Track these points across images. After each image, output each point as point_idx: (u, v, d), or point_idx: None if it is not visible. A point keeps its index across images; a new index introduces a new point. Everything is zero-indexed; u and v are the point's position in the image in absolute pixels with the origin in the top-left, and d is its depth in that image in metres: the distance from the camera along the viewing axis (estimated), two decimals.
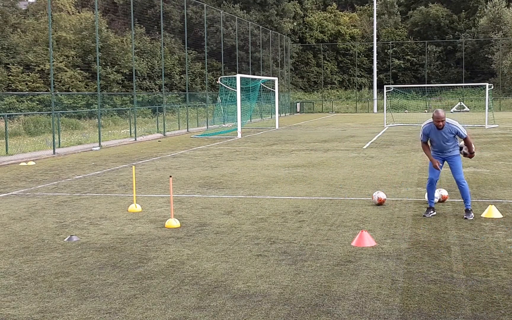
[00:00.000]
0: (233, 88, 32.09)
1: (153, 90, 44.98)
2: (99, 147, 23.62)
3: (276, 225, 8.81)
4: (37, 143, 24.61)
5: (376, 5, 64.80)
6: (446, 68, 70.19)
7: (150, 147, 23.49)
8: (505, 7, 65.35)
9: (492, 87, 41.18)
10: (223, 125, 37.03)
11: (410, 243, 7.63)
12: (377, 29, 65.55)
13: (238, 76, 30.27)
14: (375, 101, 60.69)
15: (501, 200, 10.48)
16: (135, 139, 27.76)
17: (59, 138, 24.05)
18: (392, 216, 9.32)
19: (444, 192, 10.34)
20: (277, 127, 36.03)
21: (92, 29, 40.00)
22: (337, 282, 6.09)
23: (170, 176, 9.37)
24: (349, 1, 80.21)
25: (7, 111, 31.69)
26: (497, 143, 22.38)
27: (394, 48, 70.57)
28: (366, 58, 71.20)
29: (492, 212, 9.11)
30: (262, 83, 40.88)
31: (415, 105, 61.12)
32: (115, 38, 44.06)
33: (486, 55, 64.67)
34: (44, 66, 38.45)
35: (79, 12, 46.21)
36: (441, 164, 9.21)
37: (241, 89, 31.12)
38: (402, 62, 70.35)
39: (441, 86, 56.28)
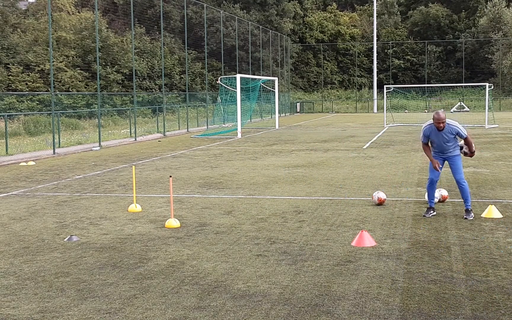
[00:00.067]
0: (233, 88, 32.10)
1: (153, 90, 44.99)
2: (99, 147, 23.62)
3: (276, 225, 8.81)
4: (37, 143, 24.61)
5: (376, 5, 64.81)
6: (446, 68, 70.19)
7: (150, 147, 23.49)
8: (505, 7, 65.35)
9: (492, 87, 41.18)
10: (223, 125, 37.03)
11: (410, 243, 7.63)
12: (377, 29, 65.55)
13: (238, 76, 30.27)
14: (375, 101, 60.69)
15: (501, 200, 10.48)
16: (135, 139, 27.76)
17: (59, 138, 24.05)
18: (392, 216, 9.32)
19: (444, 192, 10.34)
20: (277, 127, 36.03)
21: (92, 29, 40.00)
22: (337, 282, 6.09)
23: (170, 176, 9.37)
24: (349, 1, 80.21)
25: (7, 111, 31.69)
26: (497, 143, 22.38)
27: (394, 48, 70.57)
28: (366, 58, 71.21)
29: (492, 212, 9.11)
30: (262, 83, 40.88)
31: (415, 105, 61.12)
32: (115, 38, 44.07)
33: (486, 55, 64.67)
34: (44, 66, 38.45)
35: (79, 12, 46.21)
36: (441, 166, 9.21)
37: (241, 89, 31.12)
38: (402, 62, 70.35)
39: (441, 86, 56.29)
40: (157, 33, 47.92)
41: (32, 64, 39.11)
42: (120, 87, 42.86)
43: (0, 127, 26.76)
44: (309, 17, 72.46)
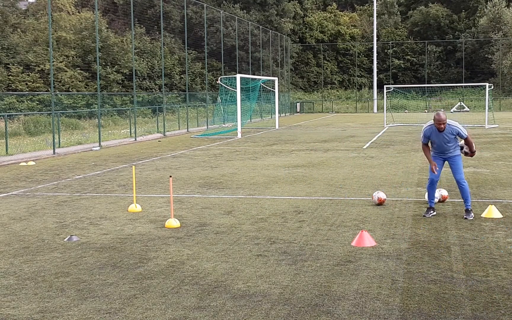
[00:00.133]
0: (233, 88, 32.10)
1: (153, 90, 44.99)
2: (99, 147, 23.62)
3: (276, 225, 8.81)
4: (37, 143, 24.61)
5: (376, 5, 64.81)
6: (446, 68, 70.20)
7: (150, 147, 23.49)
8: (505, 7, 65.35)
9: (492, 87, 41.18)
10: (223, 125, 37.03)
11: (410, 243, 7.63)
12: (377, 29, 65.55)
13: (238, 76, 30.27)
14: (375, 101, 60.69)
15: (501, 200, 10.48)
16: (135, 139, 27.76)
17: (59, 138, 24.05)
18: (392, 216, 9.33)
19: (444, 192, 10.34)
20: (277, 127, 36.03)
21: (92, 29, 40.00)
22: (337, 282, 6.09)
23: (170, 176, 9.37)
24: (349, 1, 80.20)
25: (7, 111, 31.69)
26: (497, 143, 22.38)
27: (394, 48, 70.58)
28: (366, 58, 71.21)
29: (492, 212, 9.11)
30: (262, 83, 40.88)
31: (415, 105, 61.12)
32: (115, 38, 44.07)
33: (486, 55, 64.67)
34: (44, 66, 38.45)
35: (79, 12, 46.21)
36: (438, 168, 9.20)
37: (241, 89, 31.12)
38: (402, 62, 70.36)
39: (441, 86, 56.29)
40: (157, 33, 47.92)
41: (32, 64, 39.11)
42: (120, 87, 42.87)
43: (0, 127, 26.76)
44: (309, 17, 72.45)
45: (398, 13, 75.10)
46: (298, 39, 70.56)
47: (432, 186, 9.28)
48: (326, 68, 71.21)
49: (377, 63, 62.83)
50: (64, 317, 5.31)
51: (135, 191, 10.88)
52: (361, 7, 78.38)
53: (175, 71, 48.79)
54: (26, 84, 38.34)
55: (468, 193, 9.14)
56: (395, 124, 35.89)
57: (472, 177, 13.15)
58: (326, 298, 5.65)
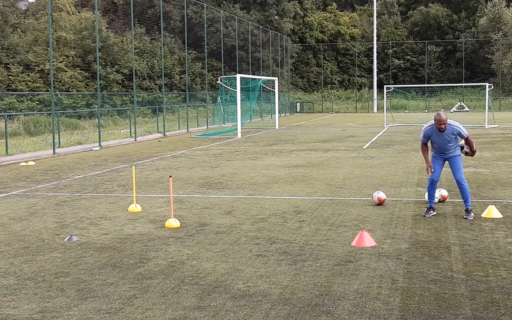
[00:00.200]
0: (233, 88, 32.10)
1: (153, 90, 44.99)
2: (99, 147, 23.62)
3: (276, 225, 8.81)
4: (37, 143, 24.61)
5: (376, 5, 64.81)
6: (446, 68, 70.20)
7: (150, 147, 23.49)
8: (505, 7, 65.35)
9: (492, 87, 41.18)
10: (223, 125, 37.03)
11: (410, 243, 7.63)
12: (377, 29, 65.55)
13: (238, 76, 30.27)
14: (375, 101, 60.70)
15: (501, 200, 10.48)
16: (135, 139, 27.76)
17: (59, 138, 24.05)
18: (392, 216, 9.33)
19: (444, 192, 10.34)
20: (277, 127, 36.03)
21: (92, 29, 40.00)
22: (337, 282, 6.09)
23: (170, 176, 9.37)
24: (349, 1, 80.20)
25: (7, 111, 31.69)
26: (497, 143, 22.38)
27: (394, 48, 70.58)
28: (366, 58, 71.21)
29: (492, 212, 9.11)
30: (262, 83, 40.88)
31: (415, 105, 61.13)
32: (115, 38, 44.07)
33: (486, 55, 64.68)
34: (44, 66, 38.46)
35: (79, 12, 46.22)
36: (438, 168, 9.21)
37: (241, 89, 31.12)
38: (402, 62, 70.36)
39: (441, 86, 56.29)
40: (157, 33, 47.93)
41: (32, 64, 39.11)
42: (120, 87, 42.87)
43: (0, 127, 26.76)
44: (309, 17, 72.46)
45: (398, 13, 75.10)
46: (298, 39, 70.56)
47: (432, 186, 9.28)
48: (326, 68, 71.22)
49: (377, 63, 62.83)
50: (64, 317, 5.31)
51: (135, 191, 10.88)
52: (361, 7, 78.38)
53: (175, 71, 48.79)
54: (26, 84, 38.34)
55: (468, 193, 9.14)
56: (395, 124, 35.89)
57: (472, 177, 13.15)
58: (326, 298, 5.65)
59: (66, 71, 39.66)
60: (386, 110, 38.11)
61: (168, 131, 32.27)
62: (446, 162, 9.33)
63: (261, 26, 54.80)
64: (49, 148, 22.66)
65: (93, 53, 39.18)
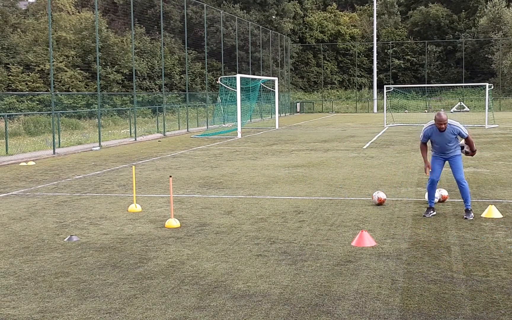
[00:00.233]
0: (233, 88, 32.10)
1: (153, 90, 44.99)
2: (99, 147, 23.62)
3: (276, 225, 8.81)
4: (37, 143, 24.61)
5: (376, 5, 64.81)
6: (446, 68, 70.21)
7: (150, 147, 23.49)
8: (505, 7, 65.35)
9: (492, 87, 41.18)
10: (223, 125, 37.03)
11: (410, 243, 7.63)
12: (377, 29, 65.55)
13: (238, 76, 30.27)
14: (375, 101, 60.70)
15: (501, 200, 10.48)
16: (135, 139, 27.76)
17: (59, 138, 24.05)
18: (392, 216, 9.33)
19: (444, 192, 10.34)
20: (277, 127, 36.03)
21: (92, 29, 40.01)
22: (337, 282, 6.09)
23: (170, 176, 9.36)
24: (349, 1, 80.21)
25: (7, 111, 31.69)
26: (497, 143, 22.38)
27: (394, 48, 70.58)
28: (366, 58, 71.22)
29: (492, 212, 9.11)
30: (262, 83, 40.88)
31: (415, 105, 61.14)
32: (115, 38, 44.07)
33: (486, 55, 64.69)
34: (44, 66, 38.45)
35: (79, 12, 46.22)
36: (439, 168, 9.21)
37: (241, 89, 31.12)
38: (402, 62, 70.37)
39: (441, 86, 56.29)
40: (157, 33, 47.93)
41: (32, 64, 39.11)
42: (120, 87, 42.87)
43: (0, 127, 26.76)
44: (309, 17, 72.46)
45: (398, 13, 75.11)
46: (298, 39, 70.57)
47: (432, 186, 9.28)
48: (326, 68, 71.22)
49: (377, 63, 62.83)
50: (64, 317, 5.31)
51: (135, 191, 10.88)
52: (361, 7, 78.39)
53: (175, 71, 48.80)
54: (26, 84, 38.34)
55: (468, 193, 9.15)
56: (395, 124, 35.89)
57: (472, 177, 13.15)
58: (326, 298, 5.65)
59: (66, 71, 39.67)
60: (386, 110, 38.11)
61: (168, 131, 32.27)
62: (447, 162, 9.34)
63: (261, 26, 54.80)
64: (49, 148, 22.66)
65: (93, 53, 39.18)
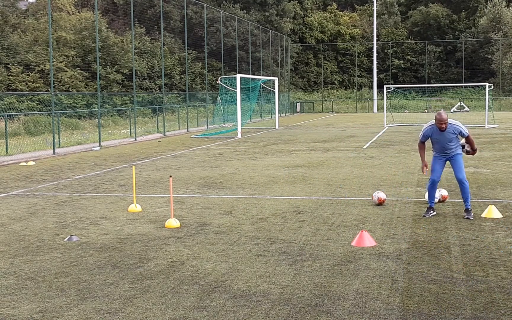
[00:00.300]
0: (233, 88, 32.10)
1: (153, 90, 44.99)
2: (99, 147, 23.62)
3: (276, 225, 8.81)
4: (37, 143, 24.61)
5: (376, 5, 64.81)
6: (446, 68, 70.21)
7: (150, 147, 23.49)
8: (505, 7, 65.36)
9: (492, 87, 41.18)
10: (223, 125, 37.03)
11: (410, 243, 7.63)
12: (377, 29, 65.55)
13: (238, 76, 30.27)
14: (375, 101, 60.70)
15: (501, 200, 10.48)
16: (135, 139, 27.76)
17: (59, 138, 24.05)
18: (392, 216, 9.33)
19: (444, 192, 10.34)
20: (277, 127, 36.04)
21: (92, 29, 40.01)
22: (337, 282, 6.09)
23: (170, 176, 9.36)
24: (349, 1, 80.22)
25: (7, 111, 31.70)
26: (497, 143, 22.38)
27: (394, 48, 70.58)
28: (366, 58, 71.22)
29: (492, 212, 9.11)
30: (262, 83, 40.88)
31: (415, 105, 61.14)
32: (115, 38, 44.07)
33: (486, 55, 64.69)
34: (44, 66, 38.45)
35: (79, 12, 46.22)
36: (440, 168, 9.21)
37: (241, 89, 31.12)
38: (402, 62, 70.37)
39: (441, 86, 56.29)
40: (157, 33, 47.93)
41: (32, 64, 39.11)
42: (120, 87, 42.87)
43: (0, 127, 26.76)
44: (309, 17, 72.47)
45: (398, 13, 75.11)
46: (298, 39, 70.57)
47: (433, 186, 9.28)
48: (326, 68, 71.22)
49: (377, 63, 62.83)
50: (64, 317, 5.31)
51: (135, 191, 10.88)
52: (361, 7, 78.40)
53: (175, 71, 48.80)
54: (26, 84, 38.34)
55: (469, 193, 9.15)
56: (395, 124, 35.89)
57: (472, 177, 13.14)
58: (326, 298, 5.65)
59: (66, 71, 39.66)
60: (386, 110, 38.10)
61: (168, 131, 32.27)
62: (448, 163, 9.34)
63: (261, 26, 54.80)
64: (49, 148, 22.66)
65: (93, 53, 39.18)
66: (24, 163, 18.26)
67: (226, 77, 35.46)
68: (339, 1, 78.82)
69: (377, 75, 63.26)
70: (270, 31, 55.64)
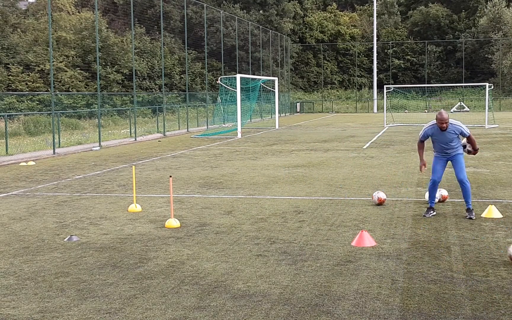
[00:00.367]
0: (233, 88, 32.10)
1: (153, 90, 44.99)
2: (99, 147, 23.62)
3: (276, 225, 8.81)
4: (37, 143, 24.61)
5: (376, 5, 64.81)
6: (446, 68, 70.21)
7: (150, 147, 23.49)
8: (505, 7, 65.36)
9: (492, 87, 41.18)
10: (223, 125, 37.03)
11: (410, 243, 7.63)
12: (377, 29, 65.55)
13: (238, 76, 30.27)
14: (375, 101, 60.70)
15: (501, 200, 10.48)
16: (135, 139, 27.76)
17: (59, 138, 24.05)
18: (392, 216, 9.32)
19: (444, 192, 10.34)
20: (277, 127, 36.03)
21: (92, 29, 40.01)
22: (337, 282, 6.09)
23: (170, 176, 9.36)
24: (349, 1, 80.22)
25: (7, 111, 31.69)
26: (497, 143, 22.39)
27: (394, 48, 70.59)
28: (366, 58, 71.22)
29: (492, 212, 9.11)
30: (262, 83, 40.88)
31: (415, 105, 61.15)
32: (115, 38, 44.07)
33: (486, 55, 64.69)
34: (44, 66, 38.46)
35: (79, 12, 46.22)
36: (440, 169, 9.21)
37: (241, 89, 31.12)
38: (402, 62, 70.37)
39: (441, 86, 56.29)
40: (157, 33, 47.93)
41: (32, 64, 39.11)
42: (120, 87, 42.87)
43: (0, 127, 26.76)
44: (309, 17, 72.47)
45: (398, 13, 75.12)
46: (298, 39, 70.57)
47: (433, 186, 9.28)
48: (326, 68, 71.22)
49: (377, 63, 62.83)
50: (64, 317, 5.31)
51: (135, 191, 10.88)
52: (361, 7, 78.40)
53: (175, 71, 48.80)
54: (26, 84, 38.34)
55: (470, 193, 9.15)
56: (395, 124, 35.89)
57: (472, 177, 13.14)
58: (326, 298, 5.65)
59: (66, 71, 39.66)
60: (386, 110, 38.10)
61: (168, 131, 32.27)
62: (449, 163, 9.33)
63: (261, 26, 54.80)
64: (49, 148, 22.66)
65: (93, 53, 39.18)
66: (24, 163, 18.26)
67: (226, 77, 35.46)
68: (339, 1, 78.82)
69: (377, 75, 63.27)
70: (270, 31, 55.64)
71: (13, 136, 27.09)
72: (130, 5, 29.20)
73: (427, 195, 9.52)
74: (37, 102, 37.01)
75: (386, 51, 70.38)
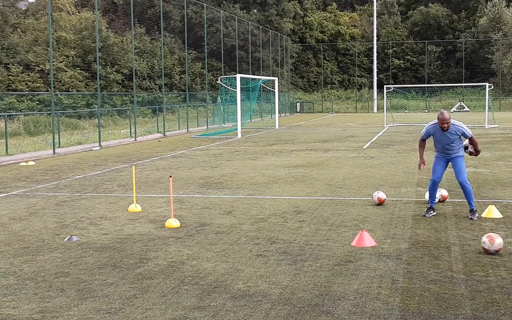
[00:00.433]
0: (233, 88, 32.10)
1: (153, 90, 44.99)
2: (99, 147, 23.62)
3: (276, 225, 8.81)
4: (37, 143, 24.61)
5: (376, 5, 64.81)
6: (446, 68, 70.21)
7: (150, 147, 23.49)
8: (505, 7, 65.36)
9: (492, 87, 41.17)
10: (223, 125, 37.03)
11: (410, 243, 7.63)
12: (377, 29, 65.55)
13: (238, 76, 30.27)
14: (375, 101, 60.70)
15: (501, 200, 10.48)
16: (135, 139, 27.76)
17: (59, 138, 24.05)
18: (392, 216, 9.32)
19: (444, 192, 10.34)
20: (277, 127, 36.03)
21: (92, 29, 40.00)
22: (337, 282, 6.09)
23: (170, 176, 9.36)
24: (349, 1, 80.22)
25: (7, 111, 31.69)
26: (497, 143, 22.39)
27: (394, 48, 70.59)
28: (366, 58, 71.22)
29: (492, 212, 9.11)
30: (262, 83, 40.88)
31: (415, 105, 61.15)
32: (115, 38, 44.07)
33: (486, 55, 64.69)
34: (44, 66, 38.45)
35: (79, 12, 46.21)
36: (441, 169, 9.21)
37: (241, 89, 31.12)
38: (402, 62, 70.37)
39: (441, 86, 56.29)
40: (157, 33, 47.93)
41: (32, 64, 39.11)
42: (120, 87, 42.87)
43: (0, 127, 26.76)
44: (309, 17, 72.48)
45: (398, 13, 75.13)
46: (298, 39, 70.58)
47: (434, 187, 9.28)
48: (326, 68, 71.23)
49: (377, 63, 62.83)
50: (64, 317, 5.31)
51: (135, 191, 10.88)
52: (361, 7, 78.41)
53: (175, 71, 48.79)
54: (26, 84, 38.33)
55: (472, 194, 9.15)
56: (395, 124, 35.89)
57: (472, 177, 13.14)
58: (326, 298, 5.65)
59: (66, 71, 39.66)
60: (386, 110, 38.10)
61: (168, 131, 32.27)
62: (449, 164, 9.33)
63: (261, 26, 54.80)
64: (49, 148, 22.66)
65: (93, 53, 39.17)
66: (24, 163, 18.26)
67: (226, 77, 35.46)
68: (339, 1, 78.83)
69: (377, 75, 63.27)
70: (270, 31, 55.64)
71: (13, 136, 27.09)
72: (130, 5, 29.20)
73: (427, 195, 9.51)
74: (37, 102, 37.01)
75: (386, 51, 70.38)
